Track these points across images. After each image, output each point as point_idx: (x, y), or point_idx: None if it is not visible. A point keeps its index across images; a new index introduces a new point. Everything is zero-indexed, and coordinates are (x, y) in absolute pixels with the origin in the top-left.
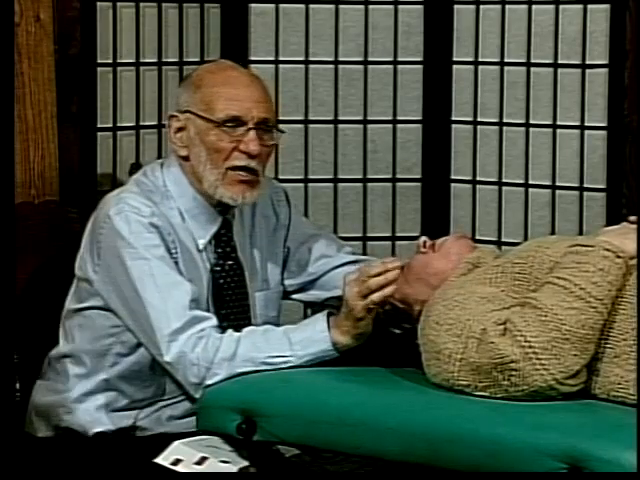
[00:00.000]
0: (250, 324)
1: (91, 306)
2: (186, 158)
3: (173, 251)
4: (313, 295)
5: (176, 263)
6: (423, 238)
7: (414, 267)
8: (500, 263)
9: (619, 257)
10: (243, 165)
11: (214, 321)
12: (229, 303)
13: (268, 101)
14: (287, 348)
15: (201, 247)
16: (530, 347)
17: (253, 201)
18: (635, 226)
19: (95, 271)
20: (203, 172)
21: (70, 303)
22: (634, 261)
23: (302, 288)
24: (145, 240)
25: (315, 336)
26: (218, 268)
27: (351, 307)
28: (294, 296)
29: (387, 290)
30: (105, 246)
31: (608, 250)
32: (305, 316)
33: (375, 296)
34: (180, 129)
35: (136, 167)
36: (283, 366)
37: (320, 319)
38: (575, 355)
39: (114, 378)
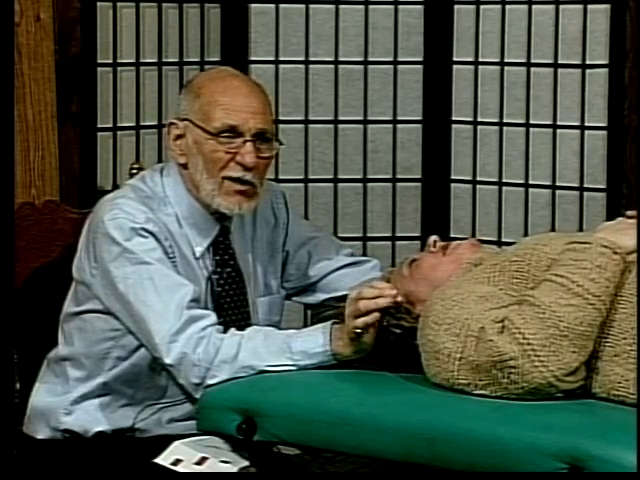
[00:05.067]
0: None
1: (90, 309)
2: (185, 166)
3: (171, 255)
4: (313, 297)
5: (174, 268)
6: (433, 237)
7: (422, 267)
8: (498, 262)
9: (616, 253)
10: (238, 177)
11: (213, 318)
12: (228, 310)
13: (267, 112)
14: (288, 357)
15: (198, 254)
16: (529, 344)
17: (250, 211)
18: (632, 221)
19: (92, 274)
20: (200, 181)
21: (68, 306)
22: (632, 257)
23: (301, 291)
24: (140, 245)
25: (316, 348)
26: (216, 276)
27: (345, 324)
28: (293, 298)
29: (369, 318)
30: (100, 251)
31: (605, 247)
32: (305, 317)
33: (359, 321)
34: (179, 136)
35: (138, 168)
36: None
37: (323, 330)
38: (574, 352)
39: (113, 381)
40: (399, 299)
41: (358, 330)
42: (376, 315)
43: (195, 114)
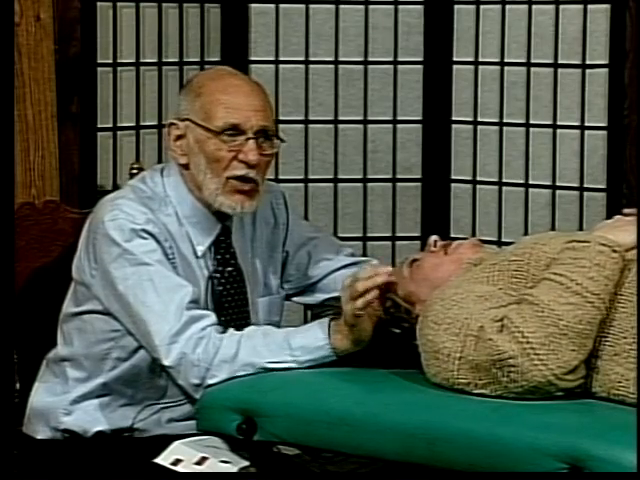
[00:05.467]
0: None
1: (89, 310)
2: (186, 166)
3: (171, 257)
4: (312, 298)
5: (174, 269)
6: (434, 237)
7: (423, 267)
8: (497, 261)
9: (615, 251)
10: (242, 175)
11: (213, 318)
12: (229, 310)
13: (268, 109)
14: (287, 353)
15: (200, 254)
16: (528, 343)
17: (252, 211)
18: (630, 218)
19: (92, 275)
20: (203, 181)
21: (68, 306)
22: (631, 255)
23: (301, 291)
24: (140, 246)
25: (316, 343)
26: (217, 275)
27: (343, 312)
28: (293, 299)
29: (369, 296)
30: (100, 251)
31: (604, 245)
32: (305, 317)
33: (359, 301)
34: (179, 137)
35: (138, 168)
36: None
37: (321, 325)
38: (573, 350)
39: (113, 381)
40: (393, 279)
41: (359, 312)
42: (375, 293)
43: (196, 114)
